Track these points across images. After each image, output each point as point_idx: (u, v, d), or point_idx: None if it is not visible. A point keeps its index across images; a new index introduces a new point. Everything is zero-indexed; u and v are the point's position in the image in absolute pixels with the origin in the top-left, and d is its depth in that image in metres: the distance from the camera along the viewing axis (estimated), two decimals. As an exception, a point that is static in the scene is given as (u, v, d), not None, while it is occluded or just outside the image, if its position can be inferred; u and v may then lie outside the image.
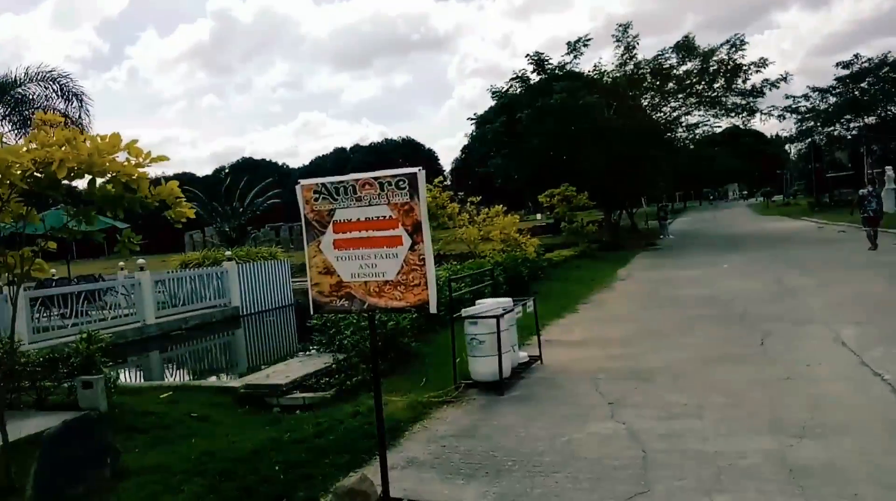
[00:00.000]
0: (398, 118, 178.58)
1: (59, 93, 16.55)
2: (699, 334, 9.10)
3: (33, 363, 6.96)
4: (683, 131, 32.75)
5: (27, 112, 16.80)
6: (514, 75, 30.12)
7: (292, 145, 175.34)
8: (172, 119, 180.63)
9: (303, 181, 4.22)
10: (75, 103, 16.70)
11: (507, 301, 7.44)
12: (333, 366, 7.63)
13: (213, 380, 7.75)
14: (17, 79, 16.18)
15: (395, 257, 3.93)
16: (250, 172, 73.45)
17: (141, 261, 16.91)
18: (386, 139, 74.80)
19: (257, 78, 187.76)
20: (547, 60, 29.53)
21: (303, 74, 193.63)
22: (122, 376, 12.61)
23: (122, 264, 16.68)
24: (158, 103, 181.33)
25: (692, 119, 31.38)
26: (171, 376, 12.14)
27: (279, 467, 4.91)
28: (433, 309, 3.89)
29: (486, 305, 7.10)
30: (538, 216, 55.82)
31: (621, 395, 6.29)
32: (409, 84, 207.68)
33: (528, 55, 29.54)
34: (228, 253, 19.65)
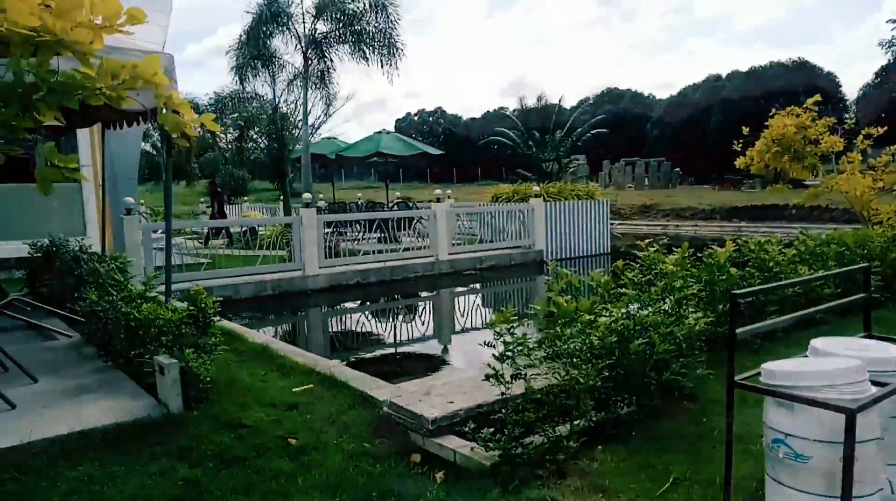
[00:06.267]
0: (801, 41, 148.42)
1: (371, 6, 15.84)
2: None
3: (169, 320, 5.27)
4: None
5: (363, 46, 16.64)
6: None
7: (672, 76, 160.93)
8: (557, 49, 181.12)
9: None
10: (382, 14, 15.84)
11: (892, 351, 3.16)
12: (527, 394, 4.33)
13: (367, 380, 5.34)
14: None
15: None
16: (614, 103, 69.30)
17: (437, 192, 15.64)
18: (770, 62, 62.36)
19: (644, 5, 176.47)
20: None
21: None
22: (327, 334, 10.96)
23: (438, 191, 15.63)
24: (545, 37, 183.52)
25: None
26: (385, 336, 10.54)
27: None
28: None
29: (831, 358, 2.98)
30: None
31: None
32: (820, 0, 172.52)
33: None
34: (536, 189, 17.35)
